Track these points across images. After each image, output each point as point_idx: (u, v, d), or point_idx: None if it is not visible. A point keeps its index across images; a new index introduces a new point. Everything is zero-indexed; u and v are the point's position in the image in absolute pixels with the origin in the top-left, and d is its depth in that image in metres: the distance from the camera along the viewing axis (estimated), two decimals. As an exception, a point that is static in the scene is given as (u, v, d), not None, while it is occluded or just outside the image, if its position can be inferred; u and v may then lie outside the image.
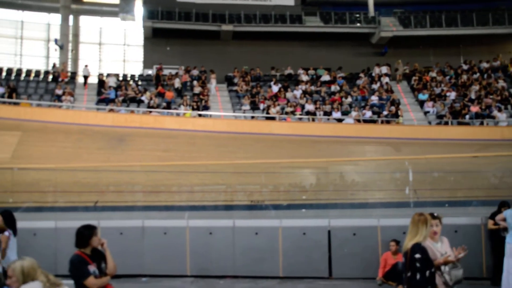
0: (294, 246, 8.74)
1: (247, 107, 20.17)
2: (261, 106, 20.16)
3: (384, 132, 18.75)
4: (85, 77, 22.18)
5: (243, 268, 8.83)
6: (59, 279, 3.66)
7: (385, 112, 20.15)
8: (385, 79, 22.88)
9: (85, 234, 4.35)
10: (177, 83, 21.39)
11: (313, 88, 22.23)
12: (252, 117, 19.55)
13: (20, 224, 9.30)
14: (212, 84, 21.88)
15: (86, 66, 22.91)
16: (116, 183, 12.89)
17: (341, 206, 11.25)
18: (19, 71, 22.52)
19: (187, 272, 8.90)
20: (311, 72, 23.73)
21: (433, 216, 4.67)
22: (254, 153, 15.90)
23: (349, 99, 21.25)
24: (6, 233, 6.32)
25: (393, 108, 20.18)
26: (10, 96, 19.15)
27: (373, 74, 23.54)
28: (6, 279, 3.59)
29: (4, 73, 22.05)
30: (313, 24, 25.78)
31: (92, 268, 4.26)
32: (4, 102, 18.80)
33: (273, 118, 19.25)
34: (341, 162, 14.02)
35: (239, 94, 21.49)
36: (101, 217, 9.10)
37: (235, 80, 22.57)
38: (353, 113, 19.78)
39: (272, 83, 22.18)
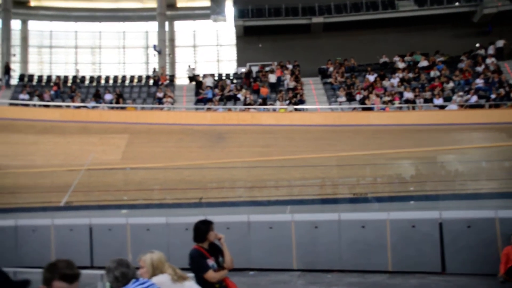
0: (403, 240, 8.38)
1: (343, 98, 19.82)
2: (357, 97, 19.68)
3: (494, 117, 17.41)
4: (191, 78, 23.08)
5: (350, 262, 8.65)
6: (185, 273, 3.81)
7: (493, 96, 18.70)
8: (491, 60, 21.22)
9: (202, 229, 4.47)
10: (272, 78, 21.57)
11: (411, 75, 21.27)
12: (354, 108, 19.15)
13: (135, 220, 10.03)
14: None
15: (193, 68, 24.03)
16: (218, 179, 13.28)
17: (450, 197, 10.63)
18: (123, 78, 24.10)
19: (293, 266, 8.91)
20: (407, 58, 22.72)
21: None
22: (353, 145, 15.55)
23: (451, 84, 20.04)
24: None
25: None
26: (117, 102, 20.57)
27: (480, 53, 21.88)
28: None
29: (111, 81, 23.75)
30: (406, 8, 24.61)
31: (211, 262, 4.37)
32: (112, 108, 20.22)
33: (370, 109, 18.72)
34: (447, 151, 13.26)
35: (334, 86, 21.17)
36: (207, 213, 9.42)
37: (329, 72, 22.27)
38: (457, 99, 18.63)
39: (367, 73, 21.59)
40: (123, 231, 9.86)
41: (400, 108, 18.84)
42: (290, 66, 22.75)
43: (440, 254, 8.20)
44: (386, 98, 19.16)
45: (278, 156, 14.47)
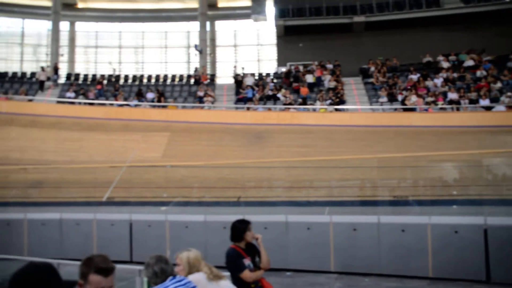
0: (445, 245, 8.14)
1: (385, 99, 19.46)
2: (399, 97, 19.27)
3: (545, 119, 16.65)
4: (236, 79, 23.16)
5: (389, 266, 8.48)
6: (221, 272, 3.82)
7: (544, 97, 17.90)
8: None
9: (240, 228, 4.45)
10: (309, 78, 21.44)
11: (455, 75, 20.63)
12: (395, 109, 18.76)
13: (172, 217, 10.18)
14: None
15: (243, 67, 24.03)
16: (257, 179, 13.29)
17: (497, 202, 10.23)
18: (165, 77, 24.53)
19: (330, 268, 8.81)
20: (452, 58, 22.04)
21: None
22: (394, 147, 15.24)
23: (499, 84, 19.28)
24: None
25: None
26: (159, 100, 20.95)
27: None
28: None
29: (153, 80, 24.23)
30: (452, 5, 23.85)
31: (247, 261, 4.35)
32: (154, 106, 20.60)
33: (413, 109, 18.29)
34: (494, 154, 12.77)
35: (375, 86, 20.82)
36: (245, 212, 9.43)
37: (371, 72, 21.92)
38: (505, 99, 17.93)
39: (410, 73, 21.09)
40: (162, 227, 10.03)
41: (444, 109, 18.31)
42: (330, 66, 22.55)
43: (485, 262, 7.90)
44: (429, 99, 18.67)
45: (317, 156, 14.34)
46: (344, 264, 8.74)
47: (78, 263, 2.38)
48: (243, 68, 24.17)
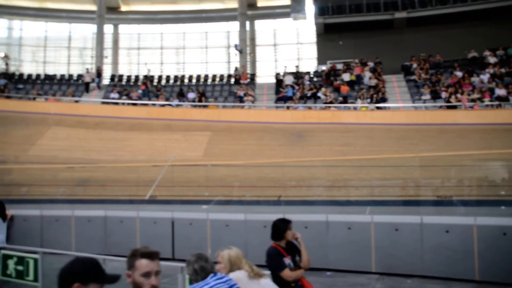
0: (492, 247, 7.85)
1: (428, 96, 18.99)
2: (443, 94, 18.75)
3: None
4: (276, 78, 23.16)
5: (433, 268, 8.27)
6: (261, 270, 3.84)
7: None
8: None
9: (280, 227, 4.47)
10: (346, 77, 21.19)
11: (503, 70, 19.87)
12: (440, 106, 18.27)
13: (213, 216, 10.28)
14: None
15: (296, 65, 24.00)
16: (297, 178, 13.25)
17: (547, 203, 9.81)
18: (206, 77, 24.83)
19: (372, 268, 8.68)
20: (499, 52, 21.23)
21: None
22: (437, 145, 14.85)
23: (551, 79, 18.50)
24: None
25: None
26: (200, 100, 21.22)
27: None
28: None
29: (194, 80, 24.57)
30: (498, -2, 22.96)
31: (287, 260, 4.36)
32: (195, 106, 20.90)
33: (457, 107, 17.76)
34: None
35: (417, 84, 20.34)
36: (285, 211, 9.43)
37: (413, 69, 21.43)
38: (557, 96, 17.18)
39: (454, 69, 20.48)
40: (203, 226, 10.15)
41: (491, 106, 17.68)
42: (371, 64, 22.20)
43: (536, 265, 7.59)
44: (475, 96, 18.07)
45: (358, 155, 14.18)
46: (386, 264, 8.59)
47: (122, 259, 2.46)
48: (297, 66, 24.08)
